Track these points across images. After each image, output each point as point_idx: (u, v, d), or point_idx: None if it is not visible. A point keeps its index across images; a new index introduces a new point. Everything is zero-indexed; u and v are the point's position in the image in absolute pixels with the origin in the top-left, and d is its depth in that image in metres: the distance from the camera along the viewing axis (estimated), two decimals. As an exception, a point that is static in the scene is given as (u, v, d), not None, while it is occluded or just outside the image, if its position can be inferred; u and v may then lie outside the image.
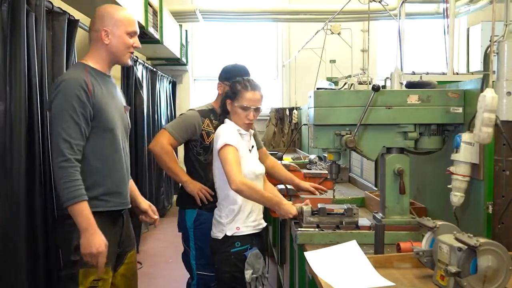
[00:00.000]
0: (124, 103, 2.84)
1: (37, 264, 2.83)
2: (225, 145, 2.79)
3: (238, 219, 2.85)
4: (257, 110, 2.96)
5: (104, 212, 2.55)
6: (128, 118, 2.84)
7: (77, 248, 2.41)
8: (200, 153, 3.41)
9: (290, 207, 2.78)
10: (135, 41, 2.68)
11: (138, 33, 2.74)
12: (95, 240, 2.40)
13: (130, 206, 2.77)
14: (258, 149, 3.63)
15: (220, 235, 2.87)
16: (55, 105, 2.46)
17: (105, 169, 2.57)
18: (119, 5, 4.10)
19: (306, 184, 3.49)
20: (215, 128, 3.10)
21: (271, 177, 3.59)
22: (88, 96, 2.46)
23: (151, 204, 3.00)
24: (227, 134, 2.86)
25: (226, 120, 2.99)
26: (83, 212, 2.39)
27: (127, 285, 2.81)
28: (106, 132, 2.56)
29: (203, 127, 3.38)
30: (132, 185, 2.90)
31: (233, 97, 2.94)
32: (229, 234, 2.84)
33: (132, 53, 2.70)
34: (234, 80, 3.02)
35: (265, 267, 2.87)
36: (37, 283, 2.84)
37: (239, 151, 2.83)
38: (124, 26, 2.62)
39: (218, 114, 3.08)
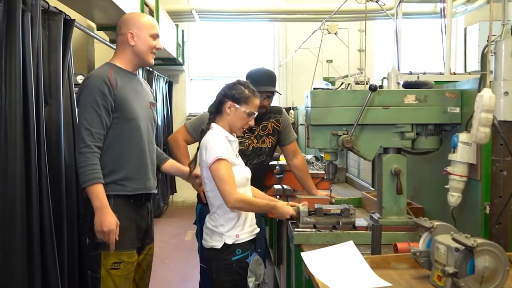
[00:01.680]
0: (151, 100, 3.06)
1: (33, 263, 2.83)
2: (217, 159, 2.67)
3: (237, 226, 2.75)
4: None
5: (124, 196, 2.79)
6: (154, 113, 3.07)
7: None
8: None
9: (286, 208, 2.76)
10: (157, 43, 2.94)
11: (160, 36, 2.98)
12: (106, 219, 2.64)
13: (151, 192, 2.93)
14: (285, 144, 3.65)
15: (218, 244, 2.73)
16: (81, 99, 2.79)
17: (124, 156, 2.81)
18: (115, 5, 4.12)
19: (322, 194, 3.44)
20: None
21: (295, 176, 3.66)
22: (110, 90, 2.74)
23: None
24: (218, 146, 2.71)
25: (213, 125, 2.83)
26: (97, 193, 2.66)
27: (139, 275, 3.00)
28: (128, 122, 2.81)
29: None
30: (173, 162, 3.27)
31: (239, 101, 2.79)
32: (229, 242, 2.71)
33: (154, 53, 2.95)
34: (238, 83, 2.87)
35: (265, 273, 2.79)
36: (34, 281, 2.84)
37: (230, 161, 2.72)
38: (147, 29, 2.89)
39: (211, 112, 2.90)
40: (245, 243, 2.76)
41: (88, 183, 2.66)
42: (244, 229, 2.77)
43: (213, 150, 2.69)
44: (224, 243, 2.72)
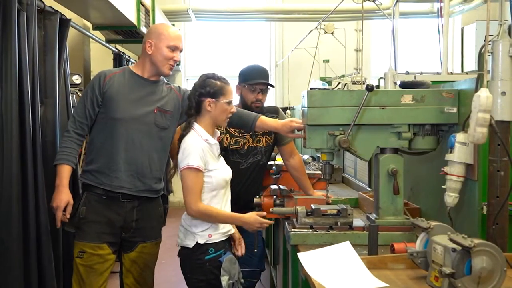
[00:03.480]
0: (160, 105, 3.00)
1: (29, 262, 2.83)
2: (187, 167, 2.68)
3: (211, 227, 2.74)
4: None
5: (98, 193, 2.90)
6: (161, 119, 2.99)
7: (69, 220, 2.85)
8: None
9: (253, 220, 2.76)
10: (176, 55, 2.99)
11: (181, 49, 3.03)
12: (58, 196, 2.80)
13: (118, 191, 2.90)
14: (282, 144, 3.62)
15: (191, 244, 2.73)
16: None
17: (101, 150, 2.91)
18: (111, 4, 4.11)
19: (319, 194, 3.40)
20: (225, 129, 3.23)
21: (292, 176, 3.62)
22: (100, 86, 2.90)
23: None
24: (192, 152, 2.69)
25: (195, 125, 2.80)
26: (60, 172, 2.85)
27: (138, 273, 3.10)
28: (111, 120, 2.90)
29: None
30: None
31: (216, 94, 2.77)
32: (201, 242, 2.71)
33: (172, 65, 3.00)
34: (206, 78, 2.84)
35: (240, 273, 2.78)
36: (31, 280, 2.84)
37: (207, 164, 2.71)
38: (166, 40, 2.95)
39: (189, 114, 2.86)
40: (218, 243, 2.75)
41: (56, 162, 2.86)
42: (217, 230, 2.76)
43: (186, 157, 2.69)
44: (197, 242, 2.72)
